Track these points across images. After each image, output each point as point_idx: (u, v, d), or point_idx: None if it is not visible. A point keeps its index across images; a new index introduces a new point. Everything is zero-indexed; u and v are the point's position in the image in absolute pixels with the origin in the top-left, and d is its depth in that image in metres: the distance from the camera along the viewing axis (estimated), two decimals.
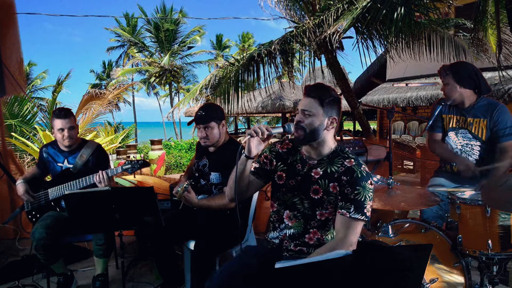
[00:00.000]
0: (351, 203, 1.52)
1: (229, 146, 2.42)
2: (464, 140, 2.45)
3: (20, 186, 2.60)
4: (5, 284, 2.75)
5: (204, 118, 2.33)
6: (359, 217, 1.51)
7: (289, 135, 1.64)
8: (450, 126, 2.53)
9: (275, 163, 1.74)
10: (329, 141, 1.63)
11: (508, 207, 1.77)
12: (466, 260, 1.95)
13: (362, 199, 1.52)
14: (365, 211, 1.52)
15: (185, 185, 2.14)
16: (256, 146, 1.58)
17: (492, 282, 1.96)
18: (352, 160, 1.60)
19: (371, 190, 1.55)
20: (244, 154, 1.60)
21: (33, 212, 2.65)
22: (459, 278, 1.93)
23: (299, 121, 1.58)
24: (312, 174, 1.64)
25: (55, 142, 2.71)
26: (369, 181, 1.55)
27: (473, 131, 2.40)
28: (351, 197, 1.53)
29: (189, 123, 2.46)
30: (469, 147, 2.42)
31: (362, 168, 1.57)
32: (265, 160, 1.75)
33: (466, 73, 2.38)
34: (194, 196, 2.21)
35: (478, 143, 2.39)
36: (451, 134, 2.53)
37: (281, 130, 1.58)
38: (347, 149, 1.67)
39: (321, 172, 1.62)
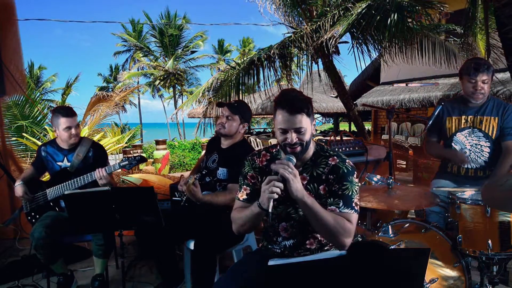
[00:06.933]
0: (339, 198, 1.44)
1: (241, 147, 2.36)
2: (473, 140, 2.33)
3: (18, 188, 2.48)
4: (5, 284, 2.63)
5: (233, 107, 2.31)
6: (348, 211, 1.43)
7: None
8: (458, 127, 2.39)
9: (260, 179, 1.60)
10: (311, 144, 1.52)
11: (509, 207, 1.69)
12: (466, 260, 1.87)
13: (350, 194, 1.45)
14: (353, 204, 1.45)
15: (195, 177, 2.13)
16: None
17: (492, 282, 1.88)
18: (335, 157, 1.51)
19: (357, 184, 1.48)
20: (260, 207, 1.38)
21: (32, 213, 2.53)
22: (459, 278, 1.83)
23: (295, 143, 1.42)
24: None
25: (54, 141, 2.57)
26: (354, 175, 1.49)
27: (484, 129, 2.31)
28: (339, 193, 1.45)
29: (218, 105, 2.42)
30: (478, 148, 2.32)
31: (346, 164, 1.50)
32: (252, 180, 1.61)
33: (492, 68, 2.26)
34: (200, 191, 2.13)
35: (488, 144, 2.30)
36: (460, 136, 2.39)
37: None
38: (325, 146, 1.57)
39: (308, 177, 1.52)
